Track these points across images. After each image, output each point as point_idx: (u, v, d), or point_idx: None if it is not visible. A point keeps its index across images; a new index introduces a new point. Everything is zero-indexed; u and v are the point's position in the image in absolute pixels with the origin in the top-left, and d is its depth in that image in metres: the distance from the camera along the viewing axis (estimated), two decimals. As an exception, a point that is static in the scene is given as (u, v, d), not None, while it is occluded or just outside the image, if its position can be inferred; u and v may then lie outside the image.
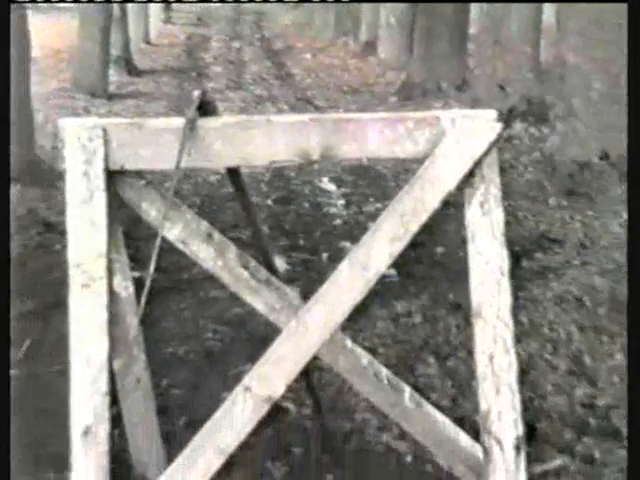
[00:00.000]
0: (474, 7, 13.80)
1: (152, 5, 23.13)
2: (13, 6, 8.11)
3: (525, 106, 10.94)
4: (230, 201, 7.19)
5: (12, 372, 4.62)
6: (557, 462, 3.81)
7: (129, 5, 17.48)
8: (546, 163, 8.83)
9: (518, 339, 2.88)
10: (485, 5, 12.36)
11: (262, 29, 26.91)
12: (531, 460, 3.30)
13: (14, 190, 7.65)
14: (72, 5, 19.97)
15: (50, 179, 7.84)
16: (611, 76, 8.46)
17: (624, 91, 8.45)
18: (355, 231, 6.78)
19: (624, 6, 8.19)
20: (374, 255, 2.81)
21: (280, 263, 5.84)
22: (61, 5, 23.88)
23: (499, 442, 2.82)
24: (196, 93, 2.89)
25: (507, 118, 9.63)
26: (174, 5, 29.26)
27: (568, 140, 8.66)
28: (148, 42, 20.97)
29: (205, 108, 2.90)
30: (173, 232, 2.94)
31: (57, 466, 3.58)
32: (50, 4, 24.38)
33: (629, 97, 3.06)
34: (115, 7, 15.08)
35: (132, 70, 16.44)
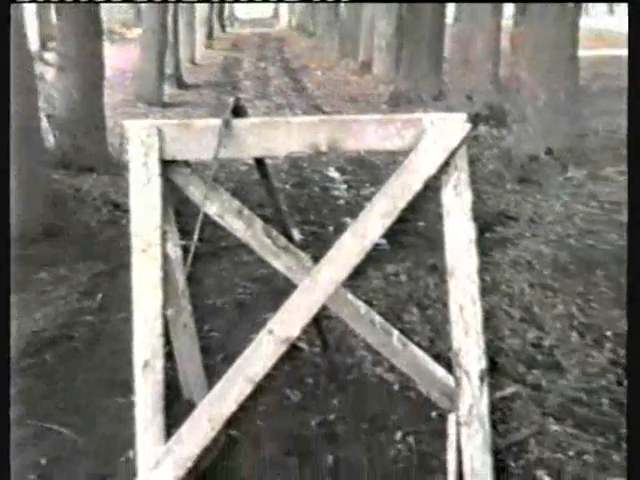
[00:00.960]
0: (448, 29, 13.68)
1: (197, 34, 22.95)
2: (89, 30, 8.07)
3: (487, 112, 10.87)
4: (257, 185, 7.14)
5: (88, 319, 4.63)
6: (512, 389, 3.79)
7: (180, 34, 17.37)
8: (504, 157, 8.76)
9: (482, 294, 2.84)
10: (455, 29, 12.22)
11: (283, 52, 26.71)
12: (492, 388, 3.28)
13: (90, 178, 7.65)
14: (135, 36, 19.86)
15: (118, 169, 7.82)
16: (553, 90, 8.38)
17: (563, 102, 8.42)
18: (355, 209, 6.74)
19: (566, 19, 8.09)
20: (370, 228, 2.78)
21: (295, 234, 5.80)
22: (128, 37, 23.77)
23: (467, 373, 2.80)
24: (231, 100, 2.87)
25: (474, 121, 9.54)
26: (215, 34, 29.06)
27: (521, 139, 8.59)
28: (194, 63, 20.81)
29: (238, 112, 2.89)
30: (212, 209, 2.93)
31: (124, 391, 3.58)
32: (120, 36, 24.26)
33: (629, 98, 2.85)
34: (169, 35, 15.00)
35: (181, 84, 16.36)
